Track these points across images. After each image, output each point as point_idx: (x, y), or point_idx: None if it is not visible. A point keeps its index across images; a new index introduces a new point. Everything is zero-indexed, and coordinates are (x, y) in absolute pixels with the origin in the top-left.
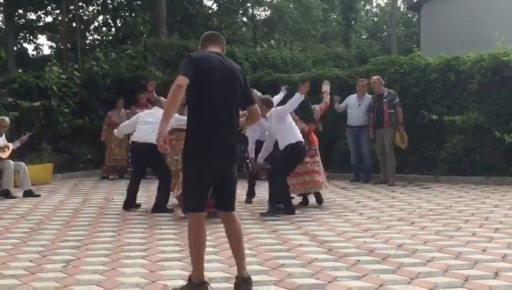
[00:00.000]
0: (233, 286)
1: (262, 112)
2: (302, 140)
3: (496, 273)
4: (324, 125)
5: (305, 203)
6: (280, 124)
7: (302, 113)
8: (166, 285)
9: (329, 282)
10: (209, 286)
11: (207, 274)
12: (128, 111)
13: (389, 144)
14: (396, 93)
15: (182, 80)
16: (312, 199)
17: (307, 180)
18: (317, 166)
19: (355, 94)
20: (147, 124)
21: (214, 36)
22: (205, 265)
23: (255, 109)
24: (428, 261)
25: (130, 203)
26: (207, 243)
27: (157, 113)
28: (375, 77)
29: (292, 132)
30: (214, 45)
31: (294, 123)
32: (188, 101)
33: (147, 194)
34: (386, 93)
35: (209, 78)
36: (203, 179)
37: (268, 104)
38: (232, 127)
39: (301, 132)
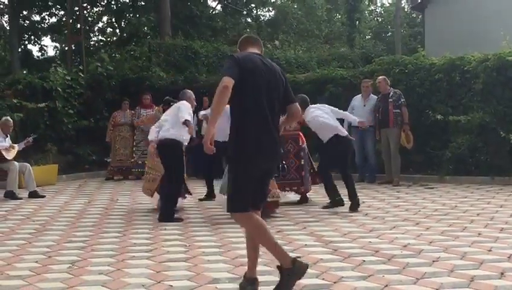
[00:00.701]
0: (238, 286)
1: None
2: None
3: (502, 274)
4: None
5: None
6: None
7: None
8: (171, 285)
9: (334, 282)
10: (299, 260)
11: (211, 275)
12: (133, 112)
13: (394, 144)
14: (402, 93)
15: (228, 81)
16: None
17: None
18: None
19: (360, 95)
20: (162, 121)
21: (254, 38)
22: (210, 266)
23: (296, 108)
24: (433, 261)
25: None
26: (212, 243)
27: (171, 109)
28: (380, 77)
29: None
30: (253, 46)
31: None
32: (233, 101)
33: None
34: (391, 93)
35: (254, 78)
36: (252, 179)
37: (305, 104)
38: (276, 126)
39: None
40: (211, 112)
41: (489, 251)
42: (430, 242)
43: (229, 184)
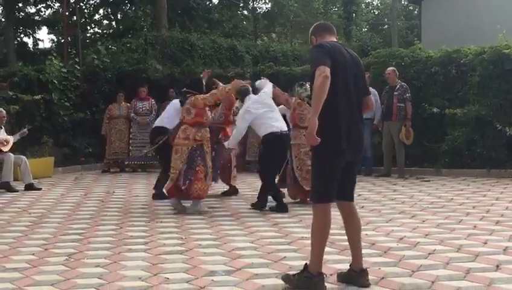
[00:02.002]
0: (336, 277)
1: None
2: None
3: (497, 266)
4: None
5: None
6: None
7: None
8: (168, 278)
9: (331, 275)
10: (325, 278)
11: (208, 267)
12: (128, 104)
13: (397, 138)
14: (408, 87)
15: (327, 71)
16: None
17: None
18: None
19: None
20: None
21: (330, 26)
22: (206, 258)
23: (370, 100)
24: (429, 253)
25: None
26: (208, 236)
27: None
28: (390, 68)
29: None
30: (331, 35)
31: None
32: None
33: (148, 187)
34: (398, 86)
35: (344, 68)
36: (339, 171)
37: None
38: (361, 117)
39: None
40: (313, 103)
41: (485, 243)
42: (426, 235)
43: (314, 175)
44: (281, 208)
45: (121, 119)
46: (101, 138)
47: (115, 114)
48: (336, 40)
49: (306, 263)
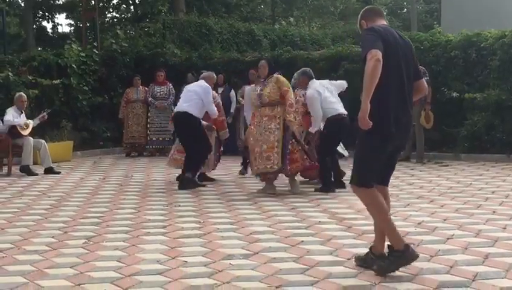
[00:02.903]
0: (354, 261)
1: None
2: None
3: None
4: (343, 103)
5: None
6: None
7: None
8: (186, 261)
9: (348, 259)
10: (413, 247)
11: (225, 251)
12: (146, 88)
13: (417, 122)
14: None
15: (379, 54)
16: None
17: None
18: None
19: None
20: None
21: (380, 10)
22: (224, 242)
23: (422, 83)
24: (448, 238)
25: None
26: (226, 219)
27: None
28: None
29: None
30: (381, 18)
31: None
32: None
33: (166, 171)
34: None
35: (396, 51)
36: (385, 155)
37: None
38: (411, 103)
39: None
40: (364, 87)
41: (504, 228)
42: (445, 220)
43: (359, 158)
44: (330, 187)
45: (138, 103)
46: (119, 121)
47: (132, 98)
48: (386, 23)
49: (388, 245)
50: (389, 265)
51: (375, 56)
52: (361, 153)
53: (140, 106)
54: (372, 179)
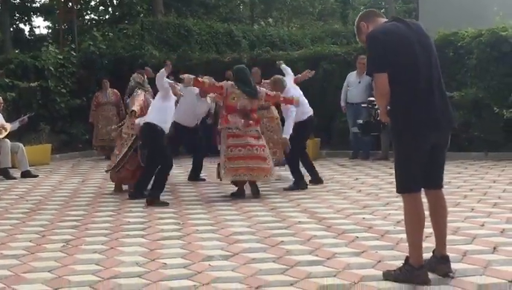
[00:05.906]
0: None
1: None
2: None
3: (494, 248)
4: (322, 102)
5: (240, 194)
6: None
7: (244, 87)
8: (165, 263)
9: (328, 258)
10: (426, 270)
11: (205, 252)
12: (115, 91)
13: None
14: None
15: (383, 81)
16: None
17: (251, 167)
18: (263, 150)
19: (355, 71)
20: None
21: (378, 11)
22: (204, 243)
23: None
24: (426, 237)
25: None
26: (205, 221)
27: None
28: None
29: None
30: (381, 17)
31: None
32: (391, 76)
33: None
34: None
35: (408, 48)
36: (423, 154)
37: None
38: (443, 92)
39: (243, 109)
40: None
41: (482, 225)
42: None
43: (395, 164)
44: (300, 184)
45: (108, 106)
46: (89, 125)
47: (102, 101)
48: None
49: (407, 256)
50: (398, 275)
51: (379, 88)
52: (397, 158)
53: (110, 109)
54: (414, 182)
